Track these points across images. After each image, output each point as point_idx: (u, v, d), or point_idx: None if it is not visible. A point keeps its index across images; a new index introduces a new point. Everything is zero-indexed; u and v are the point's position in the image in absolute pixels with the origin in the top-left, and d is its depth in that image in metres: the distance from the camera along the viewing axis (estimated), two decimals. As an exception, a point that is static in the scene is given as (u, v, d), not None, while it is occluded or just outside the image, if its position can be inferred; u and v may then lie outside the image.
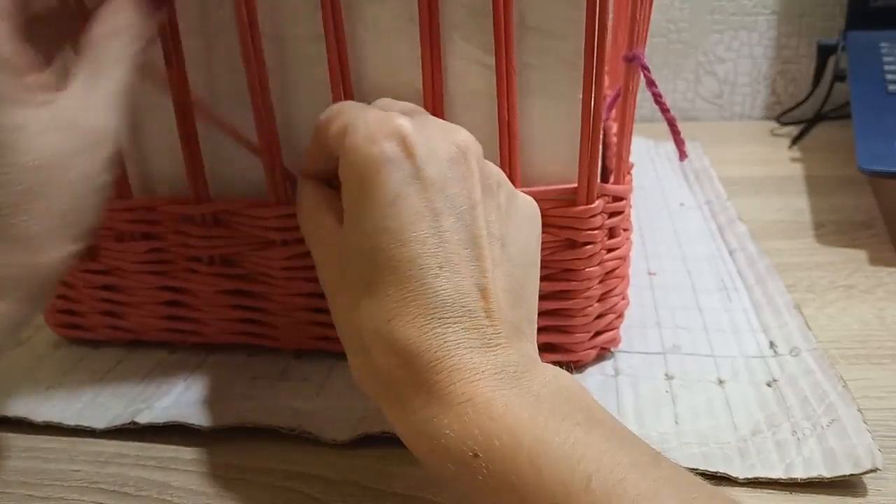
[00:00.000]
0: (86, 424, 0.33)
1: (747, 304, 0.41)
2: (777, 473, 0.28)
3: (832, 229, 0.50)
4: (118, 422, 0.33)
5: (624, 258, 0.35)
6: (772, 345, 0.37)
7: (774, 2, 0.74)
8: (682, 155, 0.31)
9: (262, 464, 0.31)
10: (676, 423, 0.32)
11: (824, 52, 0.70)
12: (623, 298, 0.36)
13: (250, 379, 0.36)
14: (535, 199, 0.30)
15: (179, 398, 0.35)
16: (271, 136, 0.32)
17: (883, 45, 0.64)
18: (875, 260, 0.45)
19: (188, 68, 0.32)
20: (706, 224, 0.52)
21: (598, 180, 0.31)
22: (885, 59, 0.61)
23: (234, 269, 0.36)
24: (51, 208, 0.24)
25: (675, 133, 0.31)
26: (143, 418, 0.33)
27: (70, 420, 0.34)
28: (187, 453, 0.32)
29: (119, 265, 0.37)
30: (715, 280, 0.44)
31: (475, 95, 0.31)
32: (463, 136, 0.26)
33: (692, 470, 0.26)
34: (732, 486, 0.28)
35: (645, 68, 0.30)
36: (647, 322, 0.39)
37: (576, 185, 0.32)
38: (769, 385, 0.34)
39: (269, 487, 0.30)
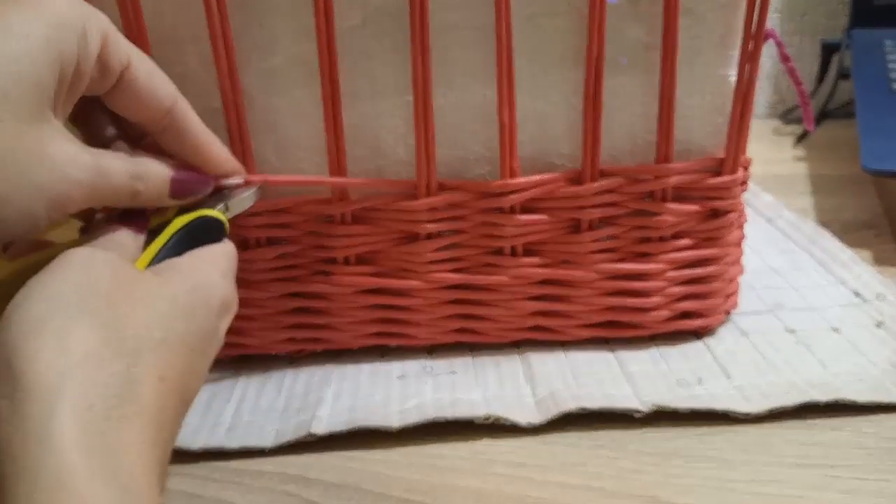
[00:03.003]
0: (253, 445, 0.31)
1: (813, 263, 0.45)
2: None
3: (836, 228, 0.49)
4: (289, 437, 0.31)
5: (743, 224, 0.37)
6: (856, 294, 0.41)
7: (778, 0, 0.76)
8: (810, 124, 0.34)
9: (260, 467, 0.31)
10: (824, 367, 0.34)
11: (828, 51, 0.70)
12: (740, 264, 0.38)
13: (398, 378, 0.35)
14: (685, 171, 0.32)
15: (336, 405, 0.33)
16: (427, 124, 0.32)
17: (887, 42, 0.64)
18: (879, 259, 0.45)
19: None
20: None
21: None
22: (889, 57, 0.62)
23: (371, 268, 0.35)
24: None
25: (805, 105, 0.34)
26: (319, 429, 0.31)
27: (233, 443, 0.31)
28: (184, 456, 0.31)
29: (240, 276, 0.35)
30: (770, 245, 0.48)
31: (635, 70, 0.32)
32: None
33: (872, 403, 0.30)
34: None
35: (780, 44, 0.33)
36: (742, 286, 0.42)
37: (723, 156, 0.34)
38: (878, 326, 0.37)
39: (267, 491, 0.29)
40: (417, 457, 0.31)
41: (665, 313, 0.36)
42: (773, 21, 0.78)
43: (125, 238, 0.26)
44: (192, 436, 0.32)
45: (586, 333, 0.37)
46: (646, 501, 0.28)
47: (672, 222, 0.34)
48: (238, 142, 0.32)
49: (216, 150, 0.29)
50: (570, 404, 0.32)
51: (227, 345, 0.36)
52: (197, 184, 0.29)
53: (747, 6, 0.31)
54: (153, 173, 0.27)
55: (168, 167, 0.27)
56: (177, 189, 0.28)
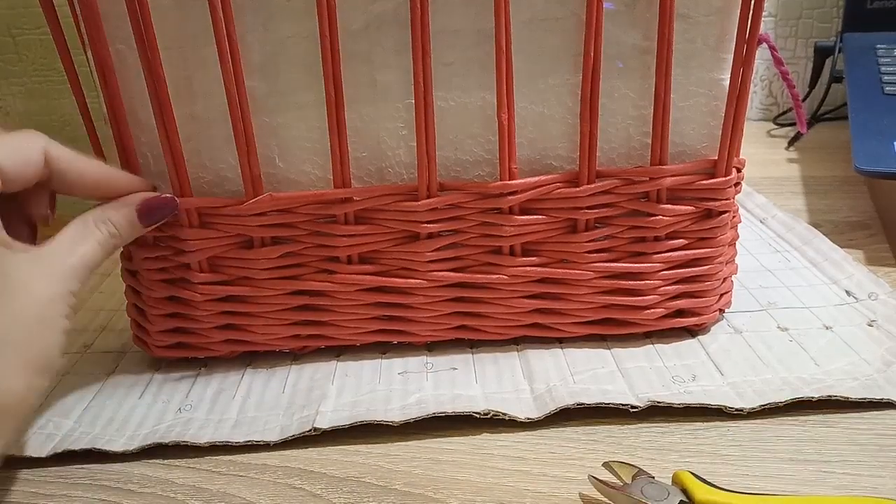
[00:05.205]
0: (258, 440, 0.32)
1: (805, 262, 0.46)
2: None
3: (829, 229, 0.50)
4: (293, 432, 0.32)
5: (737, 225, 0.38)
6: (849, 293, 0.42)
7: (772, 4, 0.78)
8: (802, 127, 0.35)
9: (265, 461, 0.31)
10: (817, 364, 0.35)
11: (821, 54, 0.71)
12: (734, 263, 0.39)
13: (400, 374, 0.36)
14: (679, 173, 0.33)
15: (339, 400, 0.34)
16: (428, 126, 0.33)
17: (879, 46, 0.65)
18: (872, 260, 0.46)
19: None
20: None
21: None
22: (882, 60, 0.62)
23: (373, 267, 0.36)
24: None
25: (798, 107, 0.34)
26: (323, 423, 0.32)
27: (239, 437, 0.32)
28: (190, 450, 0.32)
29: (246, 274, 0.36)
30: (763, 245, 0.48)
31: (631, 73, 0.33)
32: None
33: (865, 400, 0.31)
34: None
35: (773, 48, 0.34)
36: (735, 285, 0.43)
37: (717, 158, 0.34)
38: (871, 325, 0.38)
39: (272, 484, 0.30)
40: (418, 451, 0.31)
41: (660, 311, 0.37)
42: (767, 25, 0.79)
43: None
44: (199, 430, 0.32)
45: (583, 331, 0.37)
46: (641, 494, 0.28)
47: (667, 223, 0.35)
48: (243, 144, 0.33)
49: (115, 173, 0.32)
50: (567, 400, 0.33)
51: (232, 342, 0.37)
52: (161, 204, 0.32)
53: (741, 11, 0.32)
54: (111, 212, 0.31)
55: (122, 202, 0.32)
56: (143, 213, 0.32)
